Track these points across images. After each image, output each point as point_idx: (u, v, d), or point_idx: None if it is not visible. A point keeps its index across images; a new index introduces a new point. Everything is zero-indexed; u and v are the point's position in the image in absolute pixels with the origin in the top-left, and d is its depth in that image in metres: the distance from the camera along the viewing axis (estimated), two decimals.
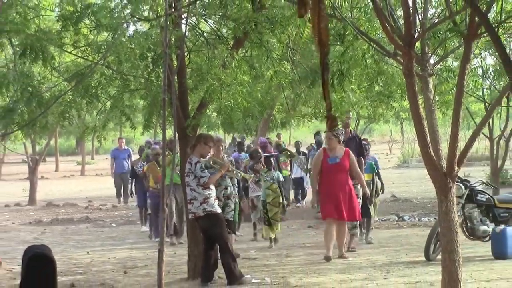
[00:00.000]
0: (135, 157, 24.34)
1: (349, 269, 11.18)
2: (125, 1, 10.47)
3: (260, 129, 19.77)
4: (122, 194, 23.62)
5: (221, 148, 12.34)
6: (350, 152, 12.17)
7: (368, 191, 12.52)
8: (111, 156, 24.42)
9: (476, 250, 12.02)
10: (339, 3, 8.78)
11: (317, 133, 20.13)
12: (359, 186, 12.44)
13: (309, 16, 4.62)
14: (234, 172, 12.03)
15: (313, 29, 4.56)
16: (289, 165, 19.37)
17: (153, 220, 15.32)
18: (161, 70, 9.48)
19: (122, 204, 23.07)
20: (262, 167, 14.00)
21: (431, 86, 8.00)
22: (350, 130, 13.97)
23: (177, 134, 11.14)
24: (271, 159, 13.93)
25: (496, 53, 13.56)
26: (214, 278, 10.61)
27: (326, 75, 4.73)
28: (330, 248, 11.80)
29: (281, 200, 13.63)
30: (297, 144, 21.69)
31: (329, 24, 9.40)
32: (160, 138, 15.35)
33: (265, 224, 13.60)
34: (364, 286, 10.10)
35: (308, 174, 19.32)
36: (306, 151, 21.46)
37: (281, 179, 14.07)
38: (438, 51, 9.02)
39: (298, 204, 20.45)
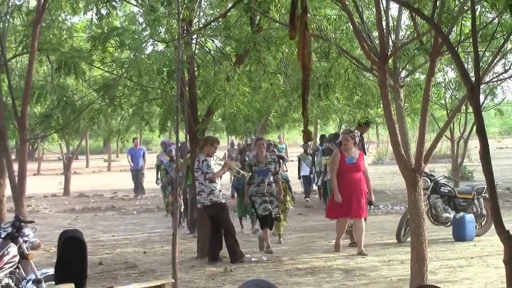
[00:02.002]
0: (149, 156, 24.10)
1: (333, 250, 11.16)
2: (145, 25, 10.48)
3: (258, 131, 19.72)
4: (138, 188, 22.72)
5: (262, 146, 11.27)
6: (363, 154, 11.19)
7: (373, 198, 11.47)
8: (127, 154, 23.79)
9: (439, 234, 12.02)
10: (325, 26, 8.77)
11: (323, 136, 18.58)
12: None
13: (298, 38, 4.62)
14: (235, 169, 11.94)
15: (298, 53, 4.54)
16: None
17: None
18: (175, 83, 9.47)
19: (139, 197, 22.61)
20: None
21: (401, 95, 7.99)
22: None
23: (188, 136, 11.18)
24: (280, 159, 12.46)
25: (456, 68, 13.56)
26: (219, 257, 10.61)
27: (306, 95, 4.70)
28: (338, 245, 10.93)
29: (288, 198, 12.42)
30: (305, 145, 20.80)
31: (317, 44, 9.42)
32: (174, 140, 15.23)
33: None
34: (345, 263, 10.10)
35: (314, 173, 18.25)
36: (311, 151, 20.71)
37: (289, 178, 12.92)
38: (407, 66, 9.02)
39: (307, 199, 19.46)
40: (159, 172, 16.15)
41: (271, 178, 11.06)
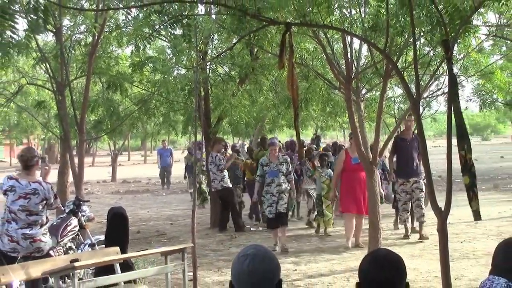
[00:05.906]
0: (175, 152, 23.57)
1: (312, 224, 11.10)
2: (172, 55, 10.47)
3: (255, 134, 19.65)
4: (166, 182, 20.68)
5: (274, 151, 8.75)
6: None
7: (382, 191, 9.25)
8: (157, 153, 22.06)
9: (390, 210, 11.93)
10: (305, 56, 8.80)
11: (317, 137, 15.04)
12: (421, 181, 9.04)
13: (286, 67, 4.68)
14: (240, 159, 11.88)
15: (288, 90, 4.63)
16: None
17: (252, 206, 11.70)
18: (194, 98, 9.45)
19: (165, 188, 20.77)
20: (312, 164, 10.75)
21: (362, 107, 8.00)
22: (413, 132, 9.44)
23: (203, 138, 11.17)
24: (325, 157, 10.14)
25: (402, 87, 13.55)
26: (227, 228, 10.60)
27: (297, 122, 4.80)
28: (349, 239, 8.66)
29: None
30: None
31: (298, 69, 9.41)
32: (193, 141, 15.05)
33: (318, 215, 10.00)
34: (320, 232, 10.06)
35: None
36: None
37: (332, 175, 9.87)
38: (366, 86, 9.02)
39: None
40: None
41: (282, 178, 8.63)
